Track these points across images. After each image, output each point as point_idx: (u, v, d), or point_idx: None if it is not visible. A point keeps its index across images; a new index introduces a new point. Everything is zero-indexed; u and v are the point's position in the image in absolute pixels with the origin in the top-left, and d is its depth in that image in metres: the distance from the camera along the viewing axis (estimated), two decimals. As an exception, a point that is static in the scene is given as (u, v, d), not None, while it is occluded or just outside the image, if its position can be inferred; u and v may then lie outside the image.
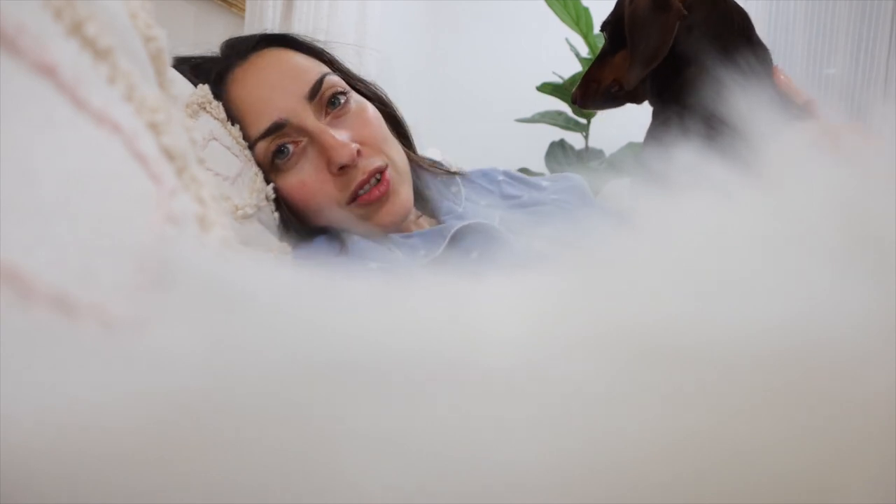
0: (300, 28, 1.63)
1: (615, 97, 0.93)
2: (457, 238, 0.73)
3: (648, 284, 0.18)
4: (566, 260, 0.21)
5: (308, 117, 0.72)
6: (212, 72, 0.75)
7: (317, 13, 1.74)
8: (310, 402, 0.15)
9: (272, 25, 1.60)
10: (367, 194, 0.74)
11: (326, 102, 0.74)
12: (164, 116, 0.30)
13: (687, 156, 0.22)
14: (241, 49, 0.77)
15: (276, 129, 0.72)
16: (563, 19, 2.29)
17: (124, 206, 0.25)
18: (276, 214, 0.74)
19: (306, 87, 0.73)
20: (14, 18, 0.23)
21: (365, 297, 0.20)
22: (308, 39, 0.81)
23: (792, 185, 0.21)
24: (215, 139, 0.69)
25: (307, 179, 0.73)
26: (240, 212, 0.67)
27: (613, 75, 0.91)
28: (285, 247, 0.72)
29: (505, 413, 0.15)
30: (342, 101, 0.75)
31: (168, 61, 0.36)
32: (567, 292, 0.20)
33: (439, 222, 0.84)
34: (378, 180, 0.74)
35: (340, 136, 0.73)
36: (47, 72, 0.24)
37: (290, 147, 0.73)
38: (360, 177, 0.73)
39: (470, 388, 0.16)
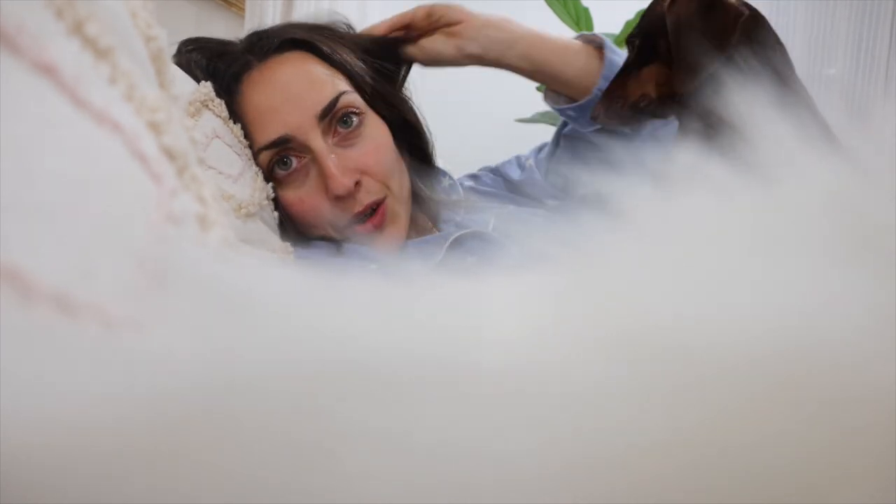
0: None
1: (642, 112, 0.88)
2: (454, 246, 0.74)
3: (648, 284, 0.18)
4: (565, 260, 0.21)
5: (315, 137, 0.71)
6: (229, 68, 0.75)
7: (317, 13, 1.74)
8: (309, 401, 0.15)
9: (272, 25, 1.59)
10: (361, 225, 0.73)
11: (338, 121, 0.73)
12: (164, 116, 0.30)
13: (694, 156, 0.22)
14: (263, 48, 0.76)
15: (281, 143, 0.71)
16: (562, 19, 2.29)
17: (125, 205, 0.25)
18: (276, 214, 0.75)
19: (319, 106, 0.72)
20: (14, 18, 0.23)
21: (365, 298, 0.20)
22: (330, 50, 0.78)
23: (792, 184, 0.21)
24: (218, 137, 0.69)
25: (305, 198, 0.73)
26: (243, 210, 0.68)
27: (641, 90, 0.86)
28: (287, 247, 0.72)
29: (504, 412, 0.15)
30: (354, 122, 0.74)
31: (168, 61, 0.36)
32: (566, 293, 0.20)
33: (438, 230, 0.84)
34: (374, 212, 0.74)
35: (343, 164, 0.72)
36: (48, 71, 0.24)
37: (294, 160, 0.72)
38: (357, 208, 0.73)
39: (469, 387, 0.16)
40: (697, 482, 0.14)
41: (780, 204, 0.21)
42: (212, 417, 0.15)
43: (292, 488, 0.14)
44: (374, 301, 0.19)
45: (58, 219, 0.22)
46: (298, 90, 0.72)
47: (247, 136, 0.73)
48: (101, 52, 0.27)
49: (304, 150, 0.72)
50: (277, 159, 0.73)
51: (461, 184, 0.93)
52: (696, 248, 0.20)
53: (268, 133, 0.72)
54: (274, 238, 0.73)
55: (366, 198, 0.73)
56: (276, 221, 0.75)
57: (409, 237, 0.81)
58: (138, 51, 0.32)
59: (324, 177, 0.72)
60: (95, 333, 0.21)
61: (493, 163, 1.02)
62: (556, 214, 0.88)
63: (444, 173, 0.92)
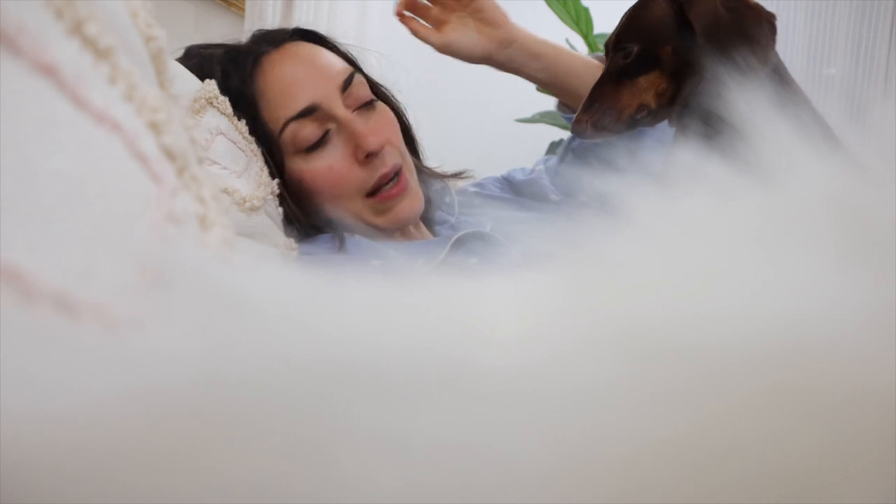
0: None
1: (637, 124, 0.79)
2: (456, 246, 0.77)
3: (648, 284, 0.18)
4: (564, 260, 0.21)
5: (339, 106, 0.76)
6: (249, 53, 0.79)
7: (317, 13, 1.74)
8: (309, 401, 0.15)
9: (272, 25, 1.60)
10: (386, 192, 0.78)
11: (355, 95, 0.78)
12: (164, 116, 0.30)
13: (693, 156, 0.22)
14: (275, 38, 0.81)
15: (310, 112, 0.75)
16: (562, 19, 2.29)
17: (125, 205, 0.25)
18: (281, 210, 0.75)
19: (339, 79, 0.77)
20: (15, 18, 0.23)
21: (364, 297, 0.20)
22: (335, 42, 0.85)
23: (792, 184, 0.21)
24: (222, 133, 0.70)
25: (334, 165, 0.76)
26: (247, 203, 0.69)
27: (639, 100, 0.76)
28: (291, 243, 0.73)
29: (505, 412, 0.15)
30: (368, 98, 0.80)
31: (168, 61, 0.36)
32: (566, 292, 0.20)
33: (432, 231, 0.88)
34: (397, 178, 0.79)
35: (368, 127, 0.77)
36: (48, 71, 0.24)
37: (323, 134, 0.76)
38: (382, 169, 0.77)
39: (469, 387, 0.16)
40: (697, 481, 0.14)
41: (781, 204, 0.21)
42: (212, 417, 0.15)
43: (292, 487, 0.14)
44: (374, 300, 0.19)
45: (58, 219, 0.22)
46: (319, 65, 0.78)
47: (265, 120, 0.75)
48: (101, 52, 0.27)
49: (330, 119, 0.76)
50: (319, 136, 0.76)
51: (466, 189, 0.96)
52: (696, 248, 0.20)
53: (296, 104, 0.75)
54: (278, 233, 0.73)
55: (389, 160, 0.78)
56: (281, 217, 0.76)
57: (410, 235, 0.83)
58: (138, 51, 0.32)
59: (353, 140, 0.76)
60: (96, 333, 0.21)
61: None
62: (557, 214, 0.90)
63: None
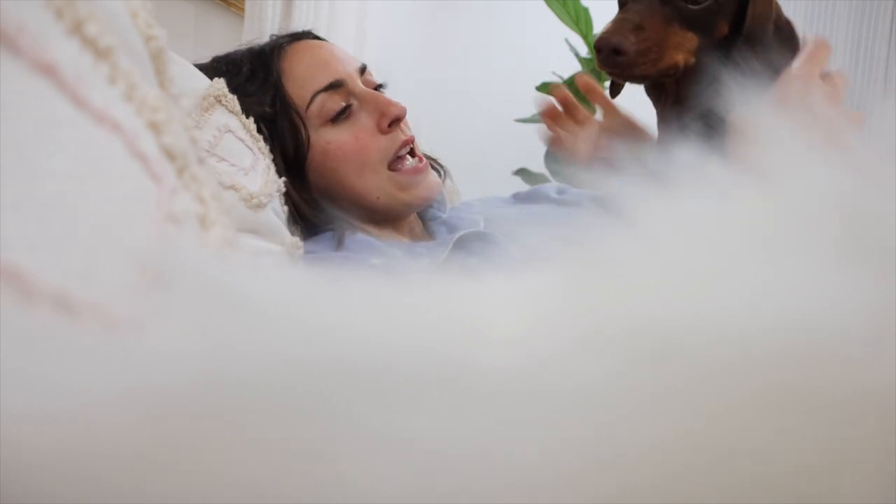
0: (300, 28, 1.63)
1: (646, 78, 0.68)
2: (457, 247, 0.79)
3: (648, 284, 0.18)
4: (564, 259, 0.21)
5: (359, 85, 0.84)
6: (272, 47, 0.85)
7: (317, 13, 1.74)
8: (309, 401, 0.15)
9: (272, 25, 1.60)
10: (409, 169, 0.83)
11: (371, 87, 0.85)
12: (164, 116, 0.30)
13: (693, 156, 0.22)
14: (295, 35, 0.89)
15: (337, 85, 0.81)
16: (562, 19, 2.29)
17: (125, 205, 0.25)
18: (286, 209, 0.76)
19: (357, 64, 0.86)
20: (15, 18, 0.23)
21: (365, 297, 0.20)
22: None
23: (792, 183, 0.21)
24: (230, 131, 0.71)
25: (359, 134, 0.82)
26: (255, 200, 0.70)
27: (677, 58, 0.64)
28: (297, 241, 0.74)
29: (503, 412, 0.15)
30: (378, 87, 0.87)
31: (168, 61, 0.36)
32: (566, 292, 0.20)
33: (425, 225, 0.92)
34: (412, 154, 0.84)
35: None
36: (48, 71, 0.24)
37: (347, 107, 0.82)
38: (403, 137, 0.83)
39: (469, 387, 0.16)
40: (697, 481, 0.14)
41: (780, 204, 0.21)
42: (212, 417, 0.15)
43: (293, 487, 0.14)
44: (374, 300, 0.19)
45: (58, 219, 0.22)
46: (339, 52, 0.86)
47: (291, 97, 0.81)
48: (101, 52, 0.27)
49: (352, 95, 0.82)
50: (338, 108, 0.82)
51: (471, 203, 1.00)
52: (695, 248, 0.20)
53: (324, 77, 0.81)
54: (284, 232, 0.74)
55: (407, 131, 0.85)
56: (286, 216, 0.76)
57: (411, 236, 0.85)
58: (138, 51, 0.32)
59: (378, 109, 0.82)
60: (96, 333, 0.21)
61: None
62: (558, 208, 0.92)
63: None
